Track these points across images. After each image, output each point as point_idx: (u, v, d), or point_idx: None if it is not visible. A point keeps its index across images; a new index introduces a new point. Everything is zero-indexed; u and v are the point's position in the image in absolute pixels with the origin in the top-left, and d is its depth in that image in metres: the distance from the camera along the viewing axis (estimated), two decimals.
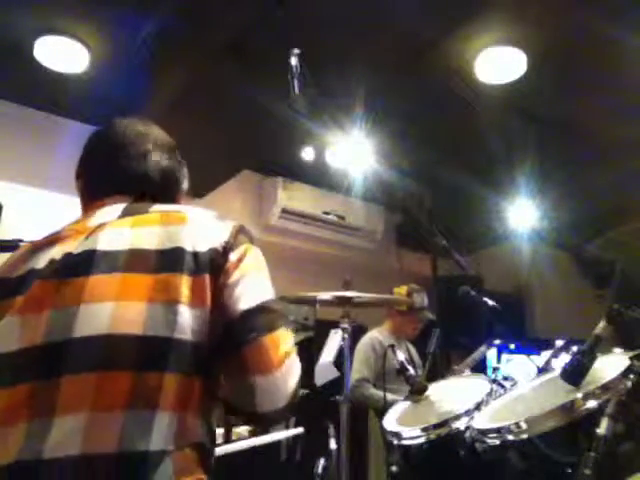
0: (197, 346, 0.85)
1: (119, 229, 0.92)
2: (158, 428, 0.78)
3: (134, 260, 0.87)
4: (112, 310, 0.82)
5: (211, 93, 3.13)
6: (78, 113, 3.74)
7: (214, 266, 0.90)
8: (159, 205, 1.00)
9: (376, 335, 3.22)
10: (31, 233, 1.61)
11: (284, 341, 0.93)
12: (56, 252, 0.91)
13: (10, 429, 0.76)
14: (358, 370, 3.06)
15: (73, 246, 0.91)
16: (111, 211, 0.99)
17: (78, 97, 3.53)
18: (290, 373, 0.93)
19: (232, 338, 0.90)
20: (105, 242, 0.90)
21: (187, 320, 0.84)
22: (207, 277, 0.89)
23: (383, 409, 2.70)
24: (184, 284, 0.86)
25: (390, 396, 2.82)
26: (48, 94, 3.55)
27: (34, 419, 0.76)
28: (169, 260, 0.88)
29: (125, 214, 0.97)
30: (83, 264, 0.87)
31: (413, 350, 3.36)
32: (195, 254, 0.90)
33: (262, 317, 0.92)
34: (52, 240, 0.95)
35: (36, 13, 2.87)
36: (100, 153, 1.11)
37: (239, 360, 0.89)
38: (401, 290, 3.27)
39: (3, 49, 3.07)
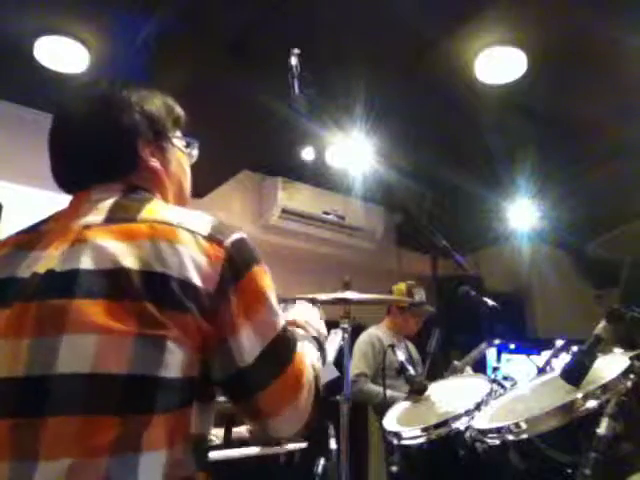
0: (186, 382, 0.79)
1: (104, 241, 0.82)
2: (145, 470, 0.74)
3: (118, 284, 0.79)
4: (96, 344, 0.75)
5: (211, 93, 3.13)
6: None
7: (203, 307, 0.81)
8: (150, 207, 0.90)
9: (375, 332, 3.23)
10: None
11: (298, 367, 0.89)
12: (38, 262, 0.84)
13: None
14: (356, 366, 3.06)
15: (55, 259, 0.83)
16: (96, 210, 0.89)
17: None
18: (305, 402, 0.90)
19: (244, 385, 0.86)
20: (89, 259, 0.81)
21: (174, 358, 0.78)
22: (194, 317, 0.80)
23: (381, 405, 2.70)
24: (169, 318, 0.78)
25: (389, 392, 2.82)
26: (48, 94, 3.55)
27: (17, 460, 0.72)
28: (154, 287, 0.79)
29: (110, 219, 0.87)
30: (66, 285, 0.79)
31: (412, 348, 3.36)
32: (183, 284, 0.80)
33: (275, 355, 0.87)
34: (31, 240, 0.89)
35: (36, 13, 2.87)
36: (62, 141, 1.03)
37: (253, 406, 0.87)
38: (400, 287, 3.28)
39: (3, 49, 3.07)
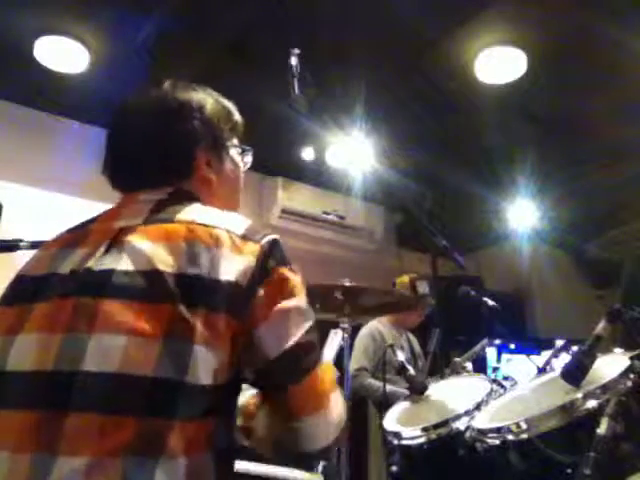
0: (212, 389, 0.79)
1: (140, 242, 0.84)
2: (161, 475, 0.73)
3: (152, 286, 0.80)
4: (124, 345, 0.76)
5: None
6: (78, 113, 3.74)
7: (234, 303, 0.82)
8: (188, 209, 0.91)
9: (376, 325, 3.20)
10: (31, 233, 1.61)
11: (328, 374, 0.90)
12: (78, 259, 0.86)
13: (18, 456, 0.73)
14: (357, 360, 3.04)
15: (95, 257, 0.85)
16: (138, 211, 0.92)
17: (78, 97, 3.54)
18: (335, 408, 0.89)
19: (272, 380, 0.85)
20: (125, 260, 0.82)
21: (202, 362, 0.78)
22: (224, 316, 0.80)
23: (381, 400, 2.70)
24: (200, 320, 0.79)
25: (389, 387, 2.81)
26: (48, 94, 3.55)
27: (38, 453, 0.73)
28: (187, 289, 0.80)
29: (150, 220, 0.89)
30: (100, 284, 0.81)
31: (414, 341, 3.34)
32: (215, 285, 0.81)
33: (306, 353, 0.86)
34: (77, 239, 0.91)
35: (36, 13, 2.87)
36: (115, 147, 1.03)
37: (284, 402, 0.86)
38: (403, 279, 3.26)
39: (3, 49, 3.07)
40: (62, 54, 3.12)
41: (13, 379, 0.79)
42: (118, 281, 0.81)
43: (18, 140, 3.61)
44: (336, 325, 2.30)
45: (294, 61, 1.77)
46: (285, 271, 0.88)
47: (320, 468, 2.07)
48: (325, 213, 4.64)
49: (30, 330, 0.81)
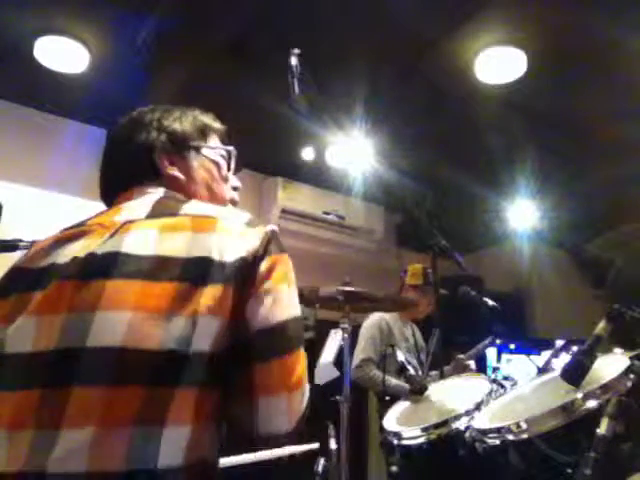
0: (214, 357, 0.82)
1: (145, 231, 0.88)
2: (167, 444, 0.75)
3: (158, 267, 0.83)
4: (129, 321, 0.78)
5: (211, 93, 3.13)
6: (78, 113, 3.74)
7: (241, 276, 0.86)
8: (191, 205, 0.96)
9: (383, 315, 3.17)
10: (31, 233, 1.61)
11: (300, 363, 0.90)
12: (80, 248, 0.89)
13: (17, 434, 0.74)
14: (363, 350, 3.00)
15: (97, 244, 0.88)
16: (138, 207, 0.96)
17: (78, 97, 3.54)
18: (299, 398, 0.89)
19: (247, 353, 0.86)
20: (130, 244, 0.86)
21: (206, 331, 0.81)
22: (231, 287, 0.84)
23: (384, 392, 2.68)
24: (206, 294, 0.82)
25: (394, 380, 2.81)
26: (48, 94, 3.55)
27: (40, 429, 0.74)
28: (195, 269, 0.84)
29: (153, 214, 0.93)
30: (105, 266, 0.84)
31: (418, 333, 3.32)
32: (222, 264, 0.85)
33: (283, 336, 0.88)
34: (77, 233, 0.93)
35: (36, 13, 2.87)
36: (112, 151, 1.12)
37: (247, 377, 0.86)
38: (416, 267, 3.25)
39: (3, 49, 3.07)
40: (62, 54, 3.12)
41: (13, 361, 0.80)
42: (123, 262, 0.83)
43: (18, 140, 3.61)
44: (336, 325, 2.30)
45: (294, 61, 1.77)
46: (283, 257, 0.94)
47: (320, 468, 2.08)
48: (325, 213, 4.64)
49: (30, 314, 0.82)
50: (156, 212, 0.94)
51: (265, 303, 0.87)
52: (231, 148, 1.21)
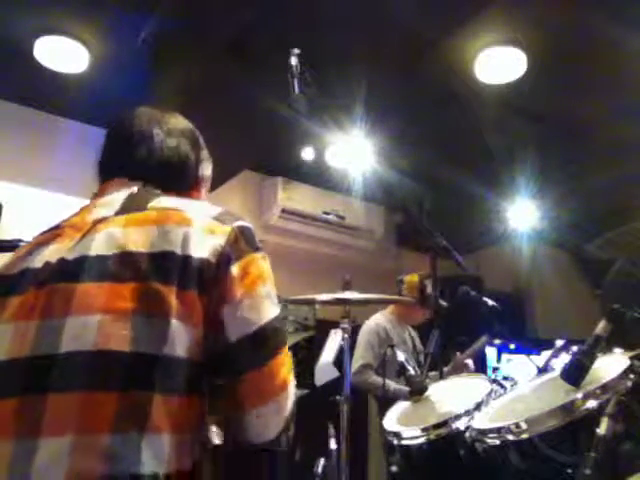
0: (189, 364, 0.80)
1: (113, 229, 0.87)
2: (148, 450, 0.74)
3: (123, 265, 0.82)
4: (99, 324, 0.78)
5: (211, 93, 3.13)
6: (78, 113, 3.74)
7: (204, 280, 0.83)
8: (161, 199, 0.95)
9: (381, 320, 3.17)
10: (31, 233, 1.61)
11: (284, 365, 0.89)
12: (52, 253, 0.88)
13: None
14: (362, 356, 3.01)
15: (67, 248, 0.88)
16: (111, 202, 0.95)
17: (78, 97, 3.54)
18: (286, 400, 0.88)
19: (230, 365, 0.85)
20: (97, 245, 0.85)
21: (177, 336, 0.79)
22: (194, 292, 0.82)
23: (385, 398, 2.68)
24: (174, 296, 0.81)
25: (394, 385, 2.81)
26: (48, 94, 3.55)
27: (20, 438, 0.73)
28: (159, 266, 0.82)
29: (122, 210, 0.92)
30: (74, 271, 0.83)
31: (416, 337, 3.32)
32: (186, 261, 0.83)
33: (263, 343, 0.86)
34: (50, 237, 0.93)
35: (36, 13, 2.87)
36: (109, 140, 1.12)
37: (232, 389, 0.85)
38: (413, 278, 3.24)
39: (3, 49, 3.07)
40: (62, 54, 3.12)
41: None
42: (91, 266, 0.83)
43: (18, 140, 3.61)
44: (336, 325, 2.30)
45: (294, 61, 1.77)
46: (255, 256, 0.90)
47: (320, 468, 2.08)
48: (325, 213, 4.64)
49: (7, 320, 0.82)
50: (125, 208, 0.93)
51: (241, 310, 0.85)
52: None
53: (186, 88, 3.11)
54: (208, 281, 0.84)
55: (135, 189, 0.99)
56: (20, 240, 1.59)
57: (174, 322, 0.80)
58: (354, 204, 4.64)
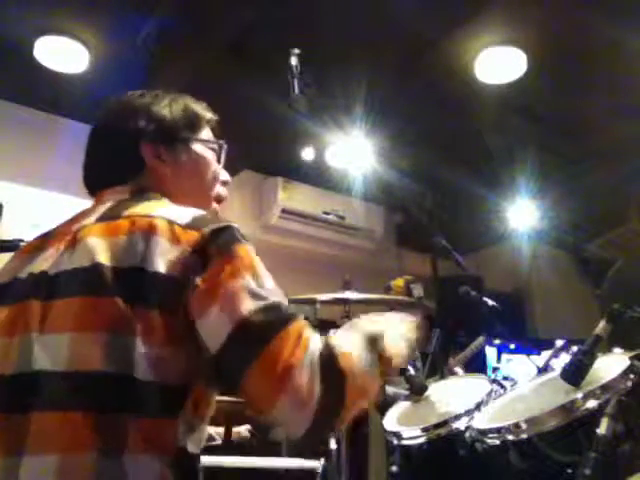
0: (161, 387, 0.77)
1: (87, 240, 0.84)
2: (133, 472, 0.73)
3: (92, 280, 0.79)
4: (69, 343, 0.76)
5: (211, 93, 3.13)
6: (78, 113, 3.74)
7: (167, 298, 0.78)
8: (144, 205, 0.90)
9: None
10: (31, 233, 1.61)
11: (285, 347, 0.76)
12: (37, 264, 0.87)
13: None
14: None
15: (51, 260, 0.86)
16: (98, 210, 0.93)
17: (78, 97, 3.54)
18: (306, 386, 0.74)
19: (224, 379, 0.81)
20: (73, 258, 0.83)
21: (146, 357, 0.76)
22: (158, 313, 0.77)
23: (382, 402, 2.69)
24: (139, 315, 0.77)
25: (391, 389, 2.81)
26: (48, 94, 3.56)
27: (5, 456, 0.73)
28: (124, 282, 0.79)
29: (101, 218, 0.89)
30: (51, 286, 0.82)
31: None
32: (149, 278, 0.78)
33: (249, 337, 0.76)
34: (42, 244, 0.92)
35: (36, 13, 2.87)
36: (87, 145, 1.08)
37: (245, 397, 0.80)
38: (398, 282, 3.27)
39: (3, 49, 3.07)
40: (62, 54, 3.13)
41: None
42: (65, 280, 0.82)
43: (18, 140, 3.61)
44: (336, 325, 2.29)
45: (294, 61, 1.77)
46: (230, 253, 0.81)
47: (320, 468, 2.08)
48: (325, 213, 4.64)
49: None
50: (104, 215, 0.89)
51: (214, 319, 0.77)
52: (222, 142, 1.14)
53: (186, 88, 3.10)
54: (172, 299, 0.78)
55: (123, 197, 0.95)
56: (20, 240, 1.59)
57: (141, 342, 0.76)
58: (354, 204, 4.64)
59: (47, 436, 0.73)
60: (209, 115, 1.13)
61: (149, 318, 0.77)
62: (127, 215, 0.87)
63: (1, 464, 0.73)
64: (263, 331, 0.77)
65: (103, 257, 0.81)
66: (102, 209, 0.92)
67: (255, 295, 0.79)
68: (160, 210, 0.87)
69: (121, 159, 1.01)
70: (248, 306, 0.77)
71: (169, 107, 1.06)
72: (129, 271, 0.79)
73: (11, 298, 0.85)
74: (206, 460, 1.50)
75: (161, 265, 0.79)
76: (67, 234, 0.89)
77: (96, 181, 1.02)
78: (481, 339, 3.14)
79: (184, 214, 0.86)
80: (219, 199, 1.14)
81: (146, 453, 0.75)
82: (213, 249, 0.81)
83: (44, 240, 0.93)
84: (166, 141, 1.02)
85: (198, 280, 0.79)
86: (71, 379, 0.75)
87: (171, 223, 0.83)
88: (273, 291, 0.82)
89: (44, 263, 0.87)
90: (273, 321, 0.78)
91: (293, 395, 0.74)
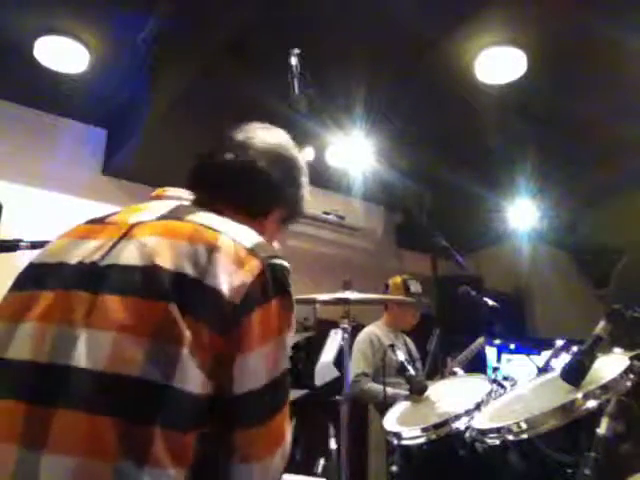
0: (197, 399, 0.77)
1: (145, 237, 0.84)
2: None
3: (148, 281, 0.79)
4: (112, 343, 0.75)
5: (211, 93, 3.13)
6: (78, 113, 3.74)
7: (222, 319, 0.79)
8: (201, 213, 0.91)
9: (373, 330, 3.22)
10: (31, 233, 1.61)
11: (284, 420, 0.86)
12: (88, 252, 0.86)
13: (3, 445, 0.73)
14: (357, 366, 3.05)
15: (102, 251, 0.85)
16: (158, 208, 0.93)
17: (78, 97, 3.54)
18: (278, 460, 0.85)
19: (229, 414, 0.81)
20: (127, 255, 0.82)
21: (188, 369, 0.75)
22: (208, 330, 0.78)
23: (383, 403, 2.70)
24: (189, 326, 0.77)
25: (390, 390, 2.82)
26: (48, 94, 3.56)
27: (25, 447, 0.72)
28: (182, 289, 0.78)
29: (164, 216, 0.90)
30: (101, 279, 0.81)
31: (411, 344, 3.35)
32: (207, 291, 0.79)
33: (270, 399, 0.83)
34: (93, 230, 0.91)
35: (36, 13, 2.87)
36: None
37: (230, 443, 0.81)
38: (396, 280, 3.28)
39: (3, 49, 3.07)
40: (62, 54, 3.13)
41: (10, 366, 0.78)
42: (116, 276, 0.81)
43: (18, 140, 3.61)
44: (336, 325, 2.30)
45: (294, 61, 1.77)
46: (280, 302, 0.85)
47: (320, 468, 2.08)
48: (325, 213, 4.64)
49: (32, 318, 0.81)
50: (167, 214, 0.91)
51: (254, 364, 0.81)
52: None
53: (186, 88, 3.11)
54: (226, 322, 0.79)
55: (184, 202, 0.97)
56: (20, 240, 1.59)
57: (186, 353, 0.76)
58: (354, 204, 4.64)
59: (70, 436, 0.72)
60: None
61: (198, 331, 0.77)
62: (191, 220, 0.88)
63: (19, 456, 0.71)
64: (281, 398, 0.86)
65: (162, 259, 0.80)
66: (162, 207, 0.93)
67: (286, 353, 0.86)
68: (222, 226, 0.88)
69: (254, 204, 1.06)
70: (282, 365, 0.85)
71: (303, 192, 1.20)
72: (189, 280, 0.79)
73: (57, 283, 0.83)
74: None
75: (224, 285, 0.80)
76: (121, 226, 0.89)
77: (214, 190, 1.03)
78: (481, 339, 3.13)
79: (247, 235, 0.89)
80: None
81: (169, 468, 0.73)
82: (272, 290, 0.84)
83: (93, 227, 0.92)
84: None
85: (254, 317, 0.81)
86: (105, 381, 0.73)
87: (236, 243, 0.85)
88: None
89: (95, 253, 0.85)
90: (287, 387, 0.87)
91: (276, 459, 0.85)
